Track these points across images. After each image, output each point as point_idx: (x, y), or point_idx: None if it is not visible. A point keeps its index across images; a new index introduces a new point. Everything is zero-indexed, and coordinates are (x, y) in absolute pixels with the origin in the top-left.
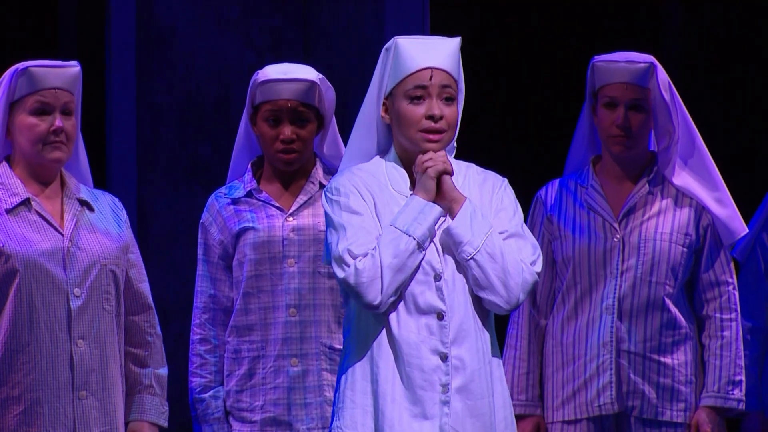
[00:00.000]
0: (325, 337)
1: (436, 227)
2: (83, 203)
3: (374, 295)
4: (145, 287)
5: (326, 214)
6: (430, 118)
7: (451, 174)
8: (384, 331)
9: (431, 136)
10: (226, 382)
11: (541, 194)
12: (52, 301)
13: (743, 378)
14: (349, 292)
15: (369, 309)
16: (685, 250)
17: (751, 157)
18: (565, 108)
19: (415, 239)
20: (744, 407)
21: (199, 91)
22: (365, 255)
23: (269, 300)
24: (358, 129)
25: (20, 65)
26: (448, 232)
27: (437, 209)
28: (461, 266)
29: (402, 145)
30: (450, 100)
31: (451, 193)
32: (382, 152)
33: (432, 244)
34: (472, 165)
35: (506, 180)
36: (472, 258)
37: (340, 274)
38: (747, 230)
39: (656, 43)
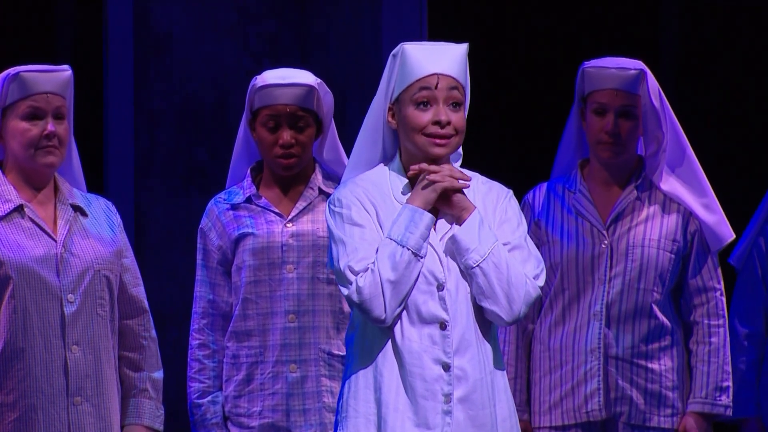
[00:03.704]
0: (323, 343)
1: (440, 238)
2: (76, 209)
3: (379, 311)
4: (139, 291)
5: (328, 226)
6: (437, 123)
7: (460, 190)
8: (388, 340)
9: (438, 140)
10: (225, 387)
11: (528, 198)
12: (46, 307)
13: (731, 384)
14: (355, 308)
15: (377, 324)
16: (672, 256)
17: (748, 161)
18: (555, 111)
19: (409, 249)
20: (731, 413)
21: (197, 96)
22: (366, 270)
23: (268, 306)
24: (364, 135)
25: (11, 70)
26: (454, 239)
27: (428, 216)
28: (464, 276)
29: (408, 151)
30: (457, 105)
31: (462, 202)
32: (387, 159)
33: (435, 253)
34: (476, 174)
35: (511, 191)
36: (477, 266)
37: (343, 291)
38: (734, 236)
39: (654, 48)
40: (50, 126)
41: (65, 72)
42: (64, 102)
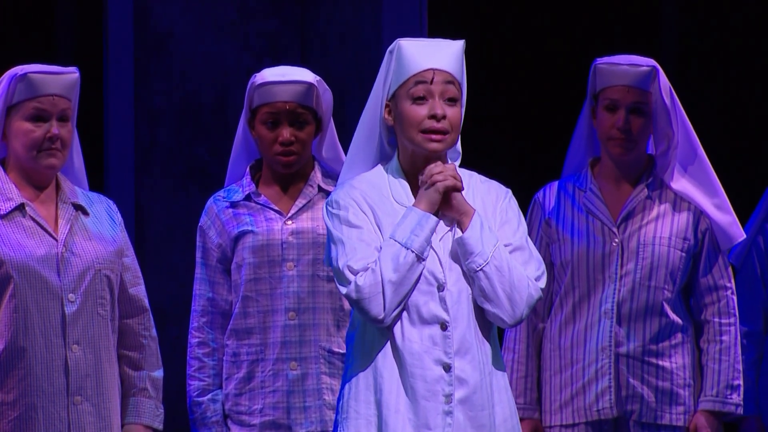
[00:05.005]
0: (324, 341)
1: (440, 238)
2: (78, 207)
3: (378, 310)
4: (140, 290)
5: (327, 228)
6: (433, 117)
7: (461, 190)
8: (388, 341)
9: (434, 136)
10: (225, 385)
11: (538, 197)
12: (47, 306)
13: (741, 382)
14: (354, 306)
15: (374, 323)
16: (683, 254)
17: (748, 160)
18: (562, 109)
19: (413, 252)
20: (742, 411)
21: (197, 94)
22: (365, 269)
23: (268, 303)
24: (360, 133)
25: (19, 70)
26: (460, 241)
27: (434, 220)
28: (465, 277)
29: (406, 150)
30: (452, 101)
31: (462, 206)
32: (384, 159)
33: (434, 254)
34: (474, 174)
35: (510, 191)
36: (481, 269)
37: (342, 290)
38: (744, 236)
39: (653, 43)
40: (54, 129)
41: (73, 75)
42: (70, 104)
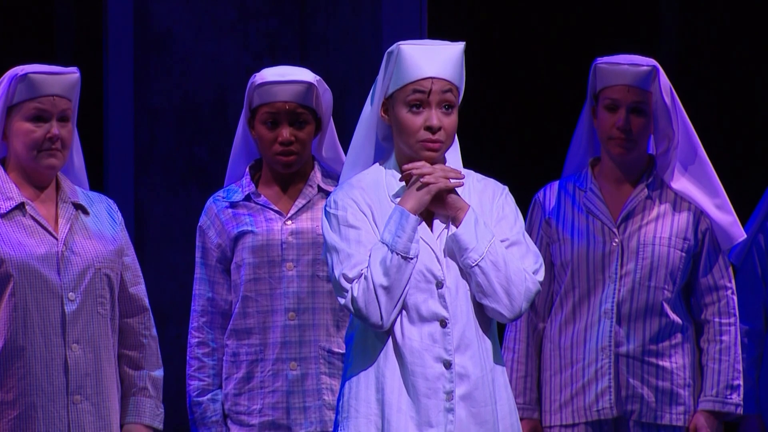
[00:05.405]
0: (323, 341)
1: (437, 236)
2: (78, 207)
3: (376, 318)
4: (140, 289)
5: (323, 232)
6: (429, 129)
7: (454, 189)
8: (389, 340)
9: (429, 145)
10: (225, 385)
11: (539, 197)
12: (47, 305)
13: (741, 383)
14: (354, 316)
15: (375, 329)
16: (683, 254)
17: (747, 160)
18: (562, 109)
19: (398, 254)
20: (742, 411)
21: (196, 94)
22: (359, 277)
23: (268, 304)
24: (359, 133)
25: (20, 70)
26: (454, 238)
27: (413, 219)
28: (463, 273)
29: (401, 150)
30: (450, 107)
31: (456, 203)
32: (383, 158)
33: (432, 251)
34: (472, 172)
35: (506, 188)
36: (476, 265)
37: (341, 301)
38: (745, 236)
39: (653, 43)
40: (54, 129)
41: (73, 75)
42: (70, 104)
